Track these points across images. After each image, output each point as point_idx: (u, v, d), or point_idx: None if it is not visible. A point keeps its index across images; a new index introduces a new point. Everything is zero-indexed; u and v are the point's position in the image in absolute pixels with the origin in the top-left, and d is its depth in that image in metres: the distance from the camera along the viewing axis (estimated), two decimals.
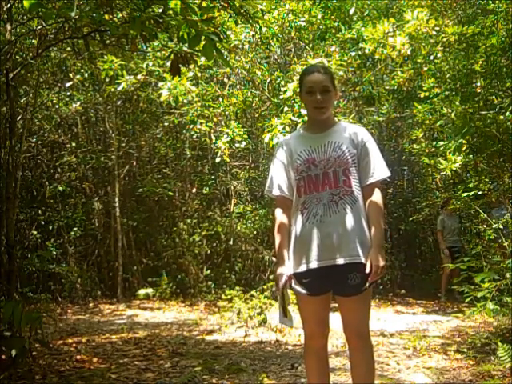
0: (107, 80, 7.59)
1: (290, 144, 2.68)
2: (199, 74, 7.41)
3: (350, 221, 2.50)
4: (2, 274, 4.03)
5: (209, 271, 8.82)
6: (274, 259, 8.84)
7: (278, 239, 2.61)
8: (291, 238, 2.62)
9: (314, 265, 2.51)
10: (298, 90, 2.77)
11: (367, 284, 2.46)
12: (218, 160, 7.19)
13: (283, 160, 2.66)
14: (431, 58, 7.11)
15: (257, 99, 7.63)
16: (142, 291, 8.57)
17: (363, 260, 2.47)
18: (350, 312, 2.56)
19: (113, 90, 7.49)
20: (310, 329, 2.64)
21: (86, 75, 8.67)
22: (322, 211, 2.51)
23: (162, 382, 3.76)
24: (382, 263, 2.45)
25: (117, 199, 8.78)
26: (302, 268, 2.54)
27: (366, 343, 2.57)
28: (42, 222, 8.55)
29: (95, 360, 4.39)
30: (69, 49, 7.43)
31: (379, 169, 2.60)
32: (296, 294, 2.63)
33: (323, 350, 2.68)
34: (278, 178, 2.65)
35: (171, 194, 9.20)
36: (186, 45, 3.28)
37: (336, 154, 2.56)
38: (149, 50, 7.20)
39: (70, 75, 8.37)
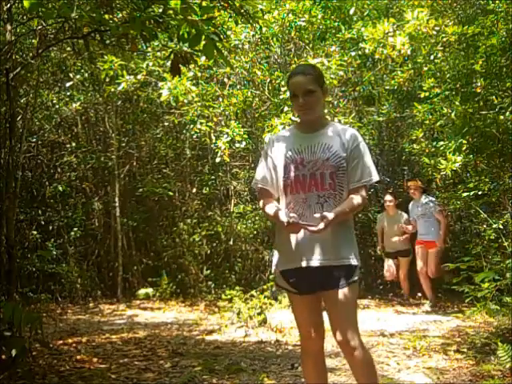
0: (107, 80, 7.59)
1: (281, 141, 2.68)
2: (199, 74, 7.40)
3: (334, 224, 2.48)
4: (2, 274, 4.03)
5: (209, 271, 8.82)
6: (273, 259, 8.83)
7: (270, 209, 2.61)
8: (277, 236, 2.66)
9: (299, 264, 2.52)
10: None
11: (321, 225, 2.41)
12: (218, 160, 7.19)
13: (272, 155, 2.66)
14: (431, 57, 7.10)
15: (257, 99, 7.63)
16: (142, 291, 8.57)
17: (350, 262, 2.52)
18: (335, 310, 2.53)
19: (113, 89, 7.49)
20: (305, 330, 2.65)
21: (86, 75, 8.68)
22: (308, 212, 2.52)
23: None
24: (330, 217, 2.42)
25: (117, 199, 8.78)
26: (288, 266, 2.58)
27: (356, 346, 2.51)
28: (42, 222, 8.55)
29: (95, 360, 4.40)
30: (69, 49, 7.44)
31: (366, 173, 2.58)
32: (287, 294, 2.69)
33: (320, 350, 2.69)
34: (265, 172, 2.67)
35: (171, 193, 9.21)
36: (186, 44, 3.29)
37: (325, 156, 2.55)
38: (149, 50, 7.19)
39: (70, 75, 8.37)
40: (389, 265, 7.76)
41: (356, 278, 2.55)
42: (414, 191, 7.35)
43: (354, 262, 2.54)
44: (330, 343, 4.63)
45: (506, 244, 5.13)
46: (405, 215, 7.69)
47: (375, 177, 2.60)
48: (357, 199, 2.55)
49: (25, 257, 7.59)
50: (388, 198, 7.84)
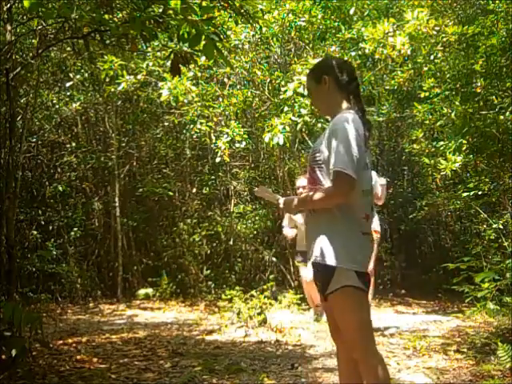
0: (107, 80, 7.59)
1: None
2: (199, 74, 7.40)
3: (315, 221, 2.41)
4: (2, 274, 4.03)
5: (209, 271, 8.82)
6: (273, 259, 8.84)
7: None
8: None
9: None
10: None
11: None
12: (218, 160, 7.19)
13: None
14: (431, 57, 7.11)
15: (257, 99, 7.63)
16: (142, 291, 8.57)
17: (327, 262, 2.30)
18: (335, 318, 2.43)
19: (113, 89, 7.49)
20: (331, 333, 2.58)
21: (86, 75, 8.68)
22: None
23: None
24: (281, 201, 2.56)
25: (117, 199, 8.78)
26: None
27: (359, 358, 2.42)
28: (42, 222, 8.55)
29: (95, 360, 4.39)
30: (69, 49, 7.44)
31: (336, 161, 2.25)
32: None
33: (348, 356, 2.52)
34: None
35: (171, 193, 9.21)
36: (186, 44, 3.29)
37: (311, 150, 2.54)
38: (149, 50, 7.20)
39: (70, 75, 8.38)
40: (303, 277, 5.96)
41: (347, 283, 2.28)
42: None
43: (333, 262, 2.29)
44: (330, 343, 4.64)
45: (506, 244, 5.14)
46: None
47: (342, 165, 2.23)
48: (324, 190, 2.34)
49: (25, 257, 7.59)
50: (301, 183, 5.39)
